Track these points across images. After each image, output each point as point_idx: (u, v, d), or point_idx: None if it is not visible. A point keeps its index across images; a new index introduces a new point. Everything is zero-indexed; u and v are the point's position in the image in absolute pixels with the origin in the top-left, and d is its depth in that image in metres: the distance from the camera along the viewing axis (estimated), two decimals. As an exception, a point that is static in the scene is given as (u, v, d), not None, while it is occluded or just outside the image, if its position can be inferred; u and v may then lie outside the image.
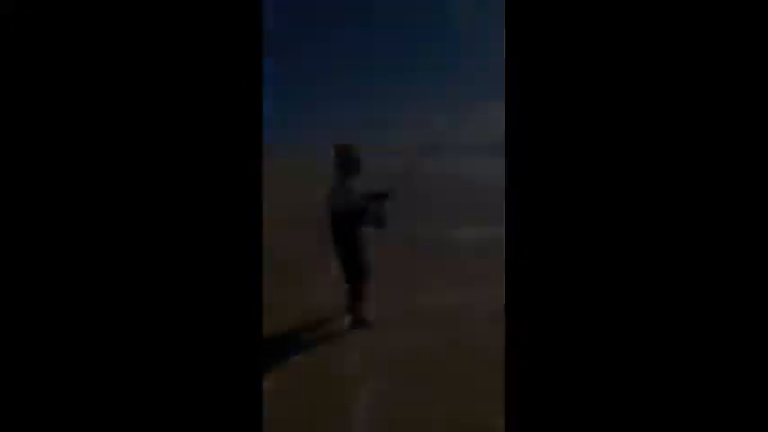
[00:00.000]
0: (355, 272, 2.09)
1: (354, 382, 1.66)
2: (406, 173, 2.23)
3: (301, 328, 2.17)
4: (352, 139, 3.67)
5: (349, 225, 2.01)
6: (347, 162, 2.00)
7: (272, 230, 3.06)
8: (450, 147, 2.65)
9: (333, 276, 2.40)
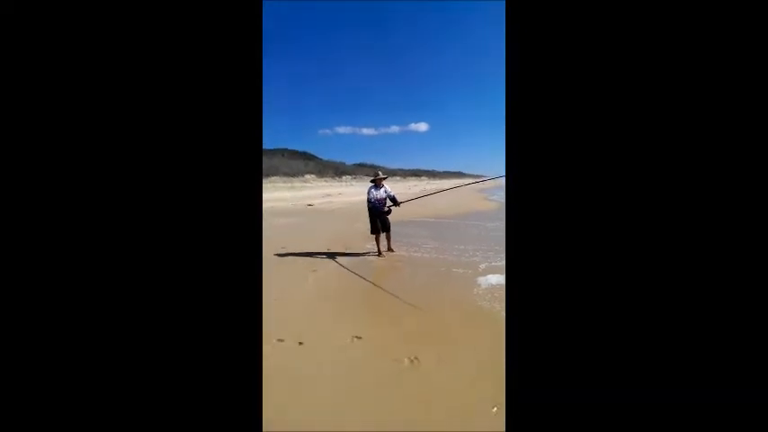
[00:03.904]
0: (381, 229, 4.44)
1: (380, 265, 4.20)
2: (411, 199, 5.21)
3: (359, 252, 4.72)
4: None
5: (378, 208, 4.42)
6: (375, 179, 4.50)
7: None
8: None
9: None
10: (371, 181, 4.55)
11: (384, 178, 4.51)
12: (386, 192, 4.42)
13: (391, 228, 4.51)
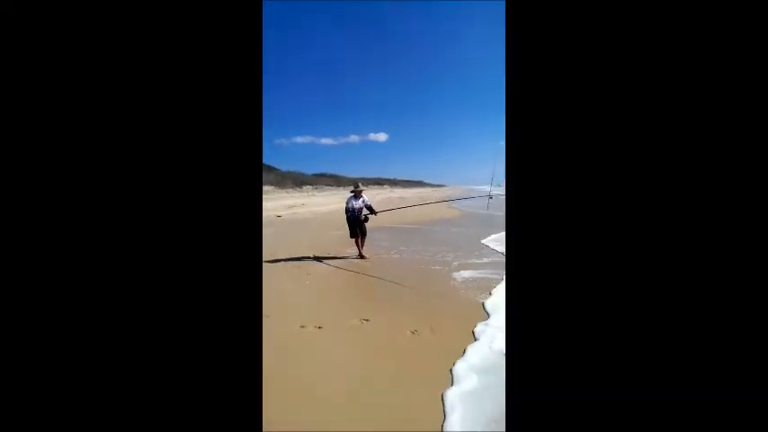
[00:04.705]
0: (360, 234, 4.94)
1: (365, 265, 3.92)
2: (388, 209, 6.04)
3: (342, 256, 5.13)
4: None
5: (355, 216, 4.91)
6: (355, 190, 5.01)
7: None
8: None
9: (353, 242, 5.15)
10: (351, 191, 5.07)
11: (362, 190, 5.05)
12: (363, 202, 4.94)
13: (368, 233, 5.05)
